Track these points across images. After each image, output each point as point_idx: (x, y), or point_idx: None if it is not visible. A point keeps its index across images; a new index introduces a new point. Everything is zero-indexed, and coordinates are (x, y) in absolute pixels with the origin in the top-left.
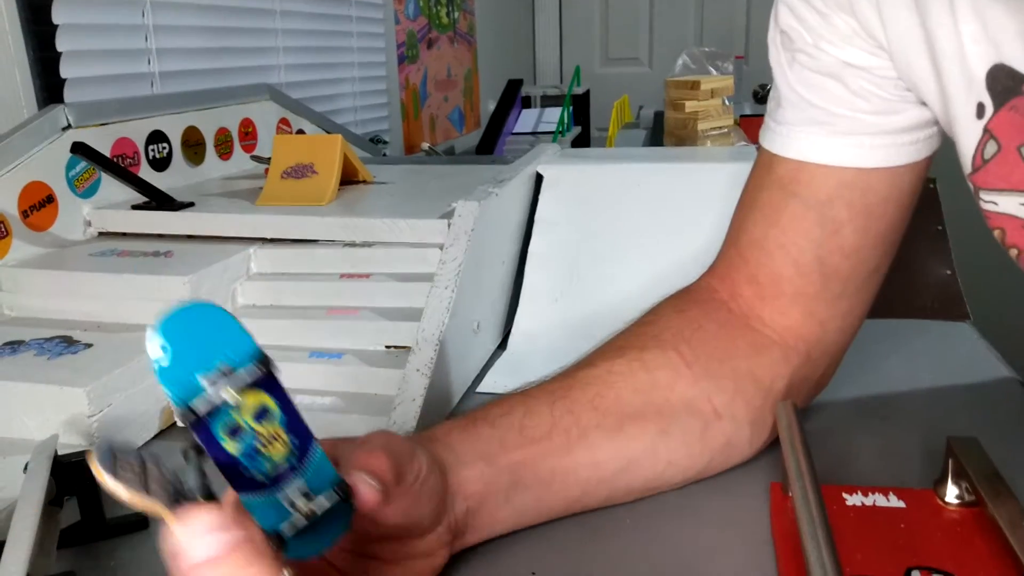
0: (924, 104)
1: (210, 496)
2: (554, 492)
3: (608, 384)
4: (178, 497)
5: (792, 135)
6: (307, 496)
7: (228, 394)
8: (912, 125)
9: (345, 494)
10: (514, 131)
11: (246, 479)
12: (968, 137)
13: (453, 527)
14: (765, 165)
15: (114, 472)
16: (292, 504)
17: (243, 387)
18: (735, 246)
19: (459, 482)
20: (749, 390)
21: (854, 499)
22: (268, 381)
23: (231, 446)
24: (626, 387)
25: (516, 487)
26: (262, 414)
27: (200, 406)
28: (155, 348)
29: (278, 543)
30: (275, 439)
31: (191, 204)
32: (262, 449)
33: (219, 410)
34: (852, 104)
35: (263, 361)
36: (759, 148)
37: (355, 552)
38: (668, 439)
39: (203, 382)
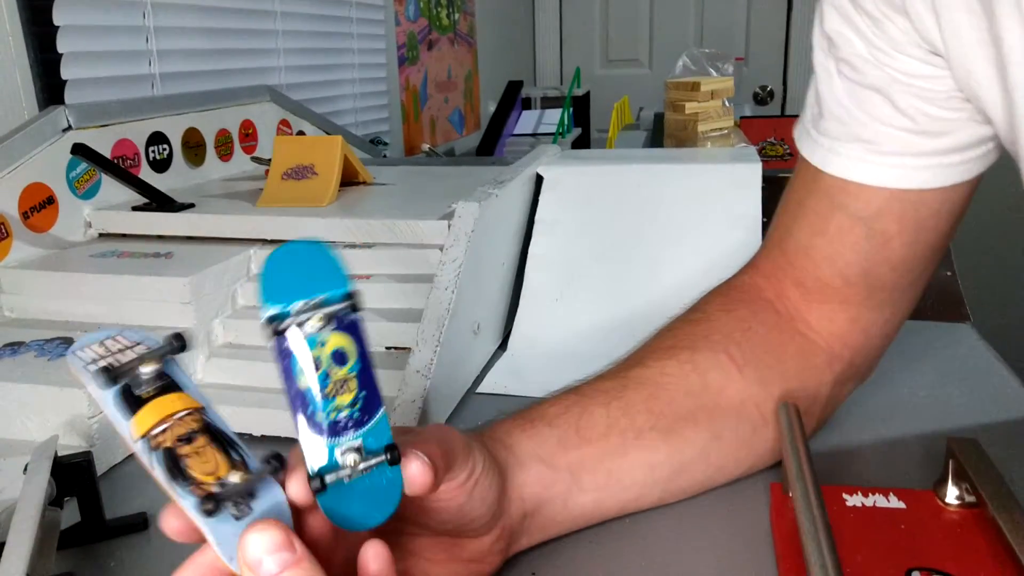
0: (979, 121)
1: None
2: (610, 494)
3: (661, 386)
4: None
5: (835, 150)
6: (359, 453)
7: (313, 325)
8: (962, 145)
9: (394, 457)
10: (514, 132)
11: (306, 418)
12: None
13: (508, 532)
14: (811, 172)
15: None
16: (343, 455)
17: (329, 322)
18: (780, 247)
19: (517, 485)
20: (796, 397)
21: (854, 500)
22: (354, 327)
23: (303, 379)
24: (679, 390)
25: (573, 491)
26: (340, 358)
27: (286, 327)
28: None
29: (319, 486)
30: (345, 386)
31: (191, 205)
32: (329, 392)
33: (303, 340)
34: (898, 122)
35: (353, 301)
36: (799, 153)
37: (399, 548)
38: (719, 444)
39: (294, 307)
